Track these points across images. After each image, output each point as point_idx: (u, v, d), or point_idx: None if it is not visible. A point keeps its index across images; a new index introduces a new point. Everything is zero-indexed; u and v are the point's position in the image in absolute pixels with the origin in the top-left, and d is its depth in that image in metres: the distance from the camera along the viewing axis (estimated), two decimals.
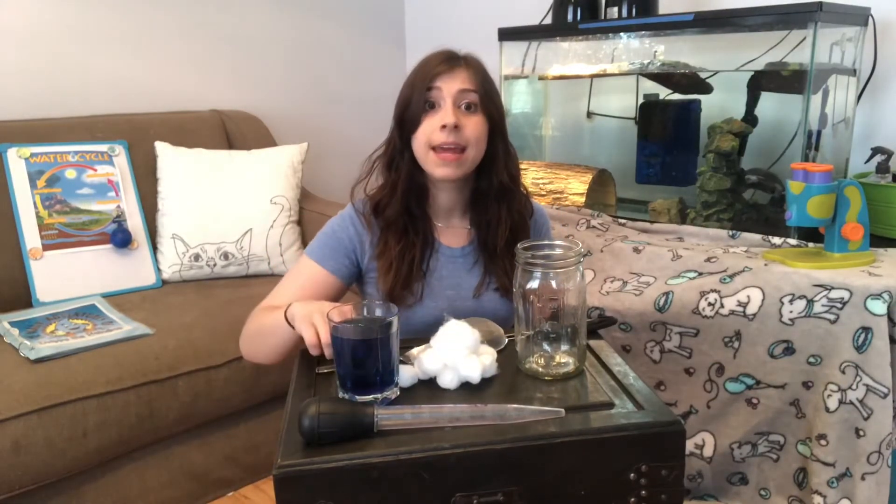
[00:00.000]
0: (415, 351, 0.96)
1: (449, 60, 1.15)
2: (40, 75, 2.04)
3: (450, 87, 1.13)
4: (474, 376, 0.90)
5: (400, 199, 1.18)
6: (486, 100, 1.15)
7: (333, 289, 1.19)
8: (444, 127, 1.11)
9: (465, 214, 1.25)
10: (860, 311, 1.29)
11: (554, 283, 0.93)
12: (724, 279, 1.45)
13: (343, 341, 0.86)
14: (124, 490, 1.50)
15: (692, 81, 1.90)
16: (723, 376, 1.47)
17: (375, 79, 2.89)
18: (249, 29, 2.49)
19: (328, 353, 0.92)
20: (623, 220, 1.87)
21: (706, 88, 1.88)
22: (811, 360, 1.36)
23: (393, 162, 1.20)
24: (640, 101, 2.03)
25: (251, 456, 1.71)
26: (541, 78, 2.29)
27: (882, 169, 1.62)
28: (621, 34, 1.98)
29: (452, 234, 1.24)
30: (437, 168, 1.14)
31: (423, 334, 1.01)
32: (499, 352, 0.98)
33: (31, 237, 1.77)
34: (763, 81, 1.78)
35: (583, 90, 2.23)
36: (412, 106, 1.14)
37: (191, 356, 1.55)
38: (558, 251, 0.96)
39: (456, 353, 0.90)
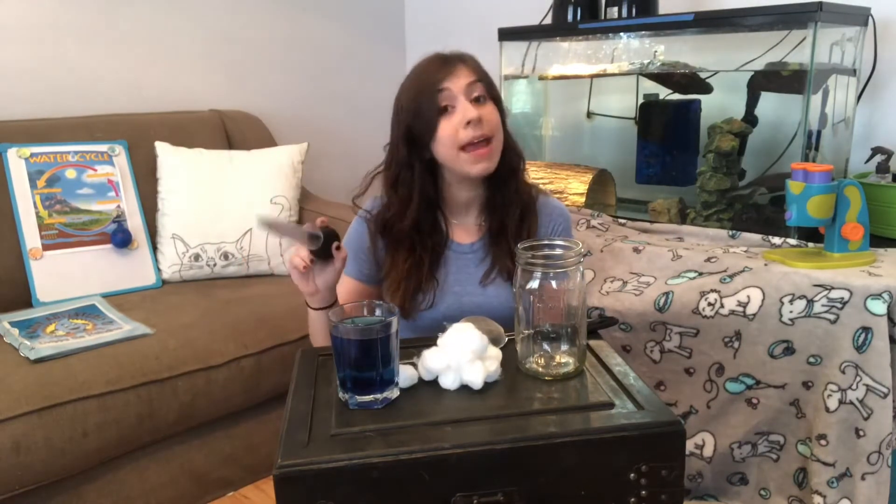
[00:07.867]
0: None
1: (446, 62, 1.15)
2: (40, 75, 2.04)
3: (457, 84, 1.13)
4: (476, 381, 0.90)
5: (412, 217, 1.17)
6: (491, 87, 1.17)
7: (367, 292, 1.23)
8: (468, 123, 1.11)
9: (482, 210, 1.25)
10: (860, 311, 1.28)
11: (554, 283, 0.93)
12: (724, 279, 1.45)
13: (343, 341, 0.86)
14: (124, 490, 1.50)
15: (692, 81, 1.90)
16: (723, 376, 1.47)
17: (375, 79, 2.89)
18: (249, 29, 2.49)
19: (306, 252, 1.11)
20: (623, 220, 1.87)
21: (706, 88, 1.88)
22: (811, 360, 1.35)
23: (399, 178, 1.18)
24: (640, 101, 2.03)
25: (251, 456, 1.71)
26: (541, 78, 2.28)
27: (882, 169, 1.62)
28: (621, 34, 1.98)
29: (465, 230, 1.25)
30: (473, 166, 1.13)
31: (428, 334, 1.02)
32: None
33: (31, 237, 1.77)
34: (763, 81, 1.78)
35: (583, 90, 2.23)
36: (423, 114, 1.13)
37: (191, 356, 1.55)
38: (558, 251, 0.97)
39: (461, 356, 0.90)
